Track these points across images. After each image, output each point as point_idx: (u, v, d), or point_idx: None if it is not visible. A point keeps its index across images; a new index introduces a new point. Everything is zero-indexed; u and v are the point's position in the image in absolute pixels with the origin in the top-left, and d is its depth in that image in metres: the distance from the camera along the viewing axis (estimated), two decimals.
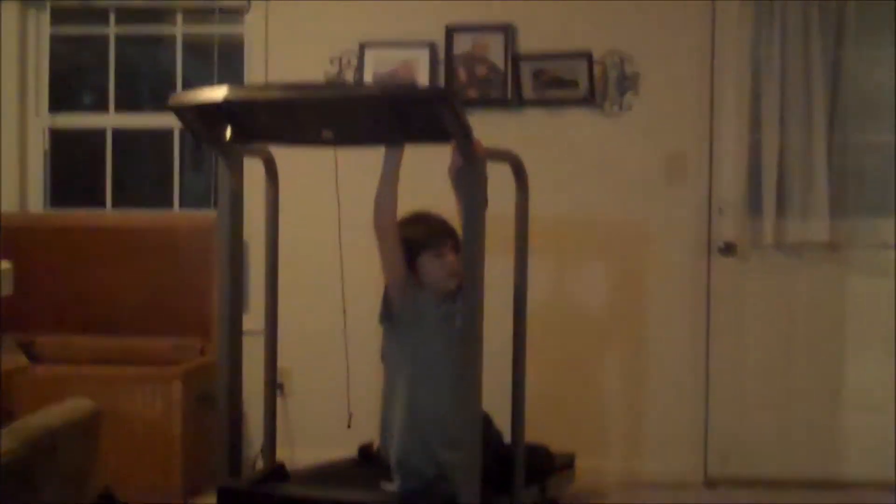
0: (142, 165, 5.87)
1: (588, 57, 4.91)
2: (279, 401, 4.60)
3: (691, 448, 5.06)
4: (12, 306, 3.55)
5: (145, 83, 5.83)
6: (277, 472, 4.01)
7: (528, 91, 5.00)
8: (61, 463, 2.71)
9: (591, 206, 5.06)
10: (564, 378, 5.06)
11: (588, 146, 5.05)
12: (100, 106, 5.56)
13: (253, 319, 4.51)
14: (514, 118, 5.01)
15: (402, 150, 3.68)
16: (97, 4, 5.44)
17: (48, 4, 5.43)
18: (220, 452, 3.90)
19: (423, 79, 5.02)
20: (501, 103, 5.02)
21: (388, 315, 3.88)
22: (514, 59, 4.99)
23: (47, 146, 5.45)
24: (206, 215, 5.15)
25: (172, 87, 5.36)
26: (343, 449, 4.59)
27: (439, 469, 3.77)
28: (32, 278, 4.54)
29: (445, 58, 5.05)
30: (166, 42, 5.56)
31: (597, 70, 4.95)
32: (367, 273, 4.67)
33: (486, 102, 5.01)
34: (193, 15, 5.47)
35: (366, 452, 4.39)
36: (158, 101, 5.48)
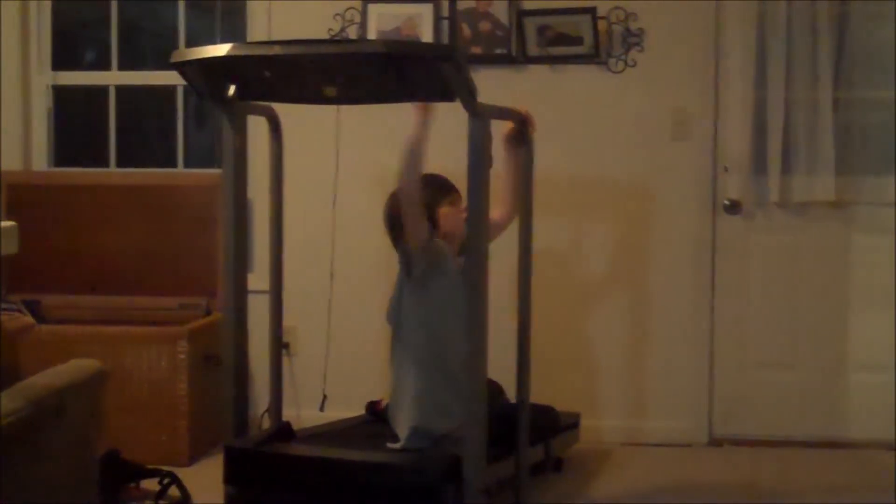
0: (145, 123, 5.85)
1: (593, 13, 4.87)
2: (285, 360, 4.61)
3: (695, 408, 5.06)
4: (17, 266, 3.54)
5: (148, 40, 5.80)
6: (284, 432, 4.03)
7: (532, 47, 4.97)
8: (67, 423, 2.71)
9: (595, 163, 5.04)
10: (569, 338, 5.06)
11: (593, 103, 5.03)
12: (103, 63, 5.53)
13: (258, 278, 4.51)
14: (518, 75, 4.99)
15: (432, 116, 3.68)
16: None
17: None
18: (227, 412, 3.92)
19: (426, 35, 4.98)
20: (506, 60, 4.99)
21: (410, 273, 3.88)
22: (519, 15, 4.95)
23: (50, 104, 5.43)
24: (211, 174, 5.15)
25: (175, 44, 5.33)
26: (348, 408, 4.62)
27: (451, 423, 3.78)
28: (37, 238, 4.53)
29: (449, 14, 5.02)
30: None
31: (601, 26, 4.92)
32: (367, 231, 4.68)
33: (491, 59, 4.98)
34: None
35: (374, 409, 4.41)
36: (161, 59, 5.44)
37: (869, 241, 4.97)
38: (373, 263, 4.90)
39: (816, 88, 4.88)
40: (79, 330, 4.74)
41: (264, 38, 4.97)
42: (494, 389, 4.09)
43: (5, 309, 4.83)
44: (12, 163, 5.30)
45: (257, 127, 4.30)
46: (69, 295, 5.12)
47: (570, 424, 4.65)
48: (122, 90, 5.47)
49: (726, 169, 4.98)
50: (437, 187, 3.97)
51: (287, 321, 4.32)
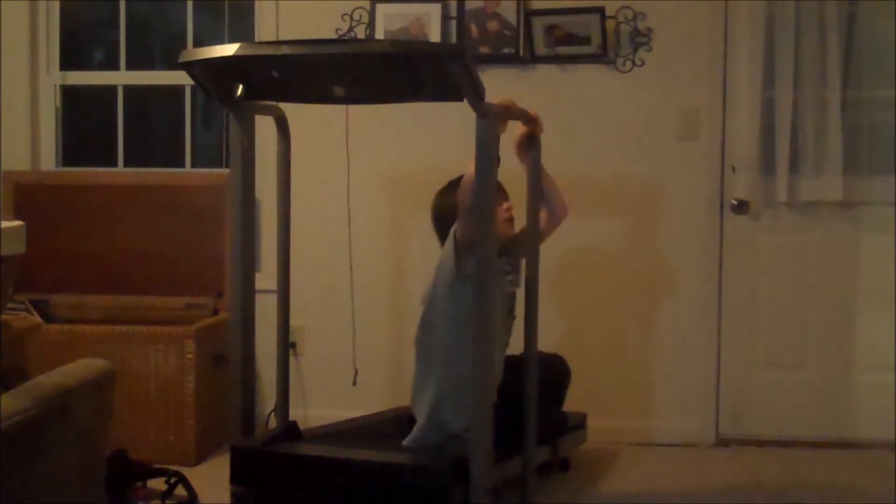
0: (153, 123, 5.86)
1: (601, 12, 4.87)
2: (292, 359, 4.62)
3: (703, 408, 5.06)
4: (25, 265, 3.55)
5: (156, 40, 5.81)
6: (290, 431, 4.03)
7: (540, 47, 4.97)
8: (74, 422, 2.71)
9: (603, 163, 5.04)
10: (576, 337, 5.06)
11: (601, 103, 5.02)
12: (111, 63, 5.54)
13: (266, 278, 4.52)
14: (526, 75, 4.98)
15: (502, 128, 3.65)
16: None
17: None
18: (234, 411, 3.92)
19: (434, 35, 4.99)
20: (513, 60, 4.99)
21: (461, 269, 3.84)
22: (527, 14, 4.95)
23: (59, 104, 5.44)
24: (219, 173, 5.16)
25: (183, 44, 5.34)
26: (355, 408, 4.62)
27: (467, 423, 3.76)
28: (44, 237, 4.54)
29: (457, 13, 5.02)
30: None
31: (609, 26, 4.91)
32: (376, 231, 4.69)
33: (498, 59, 4.98)
34: None
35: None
36: (169, 59, 5.46)
37: (877, 241, 4.96)
38: (382, 263, 4.90)
39: (824, 88, 4.87)
40: (86, 329, 4.74)
41: (272, 38, 4.98)
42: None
43: (13, 308, 4.83)
44: (20, 163, 5.31)
45: (265, 127, 4.29)
46: (77, 294, 5.12)
47: (577, 424, 4.65)
48: (130, 90, 5.47)
49: (734, 168, 4.98)
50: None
51: (294, 321, 4.32)
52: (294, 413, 4.33)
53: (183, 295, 5.09)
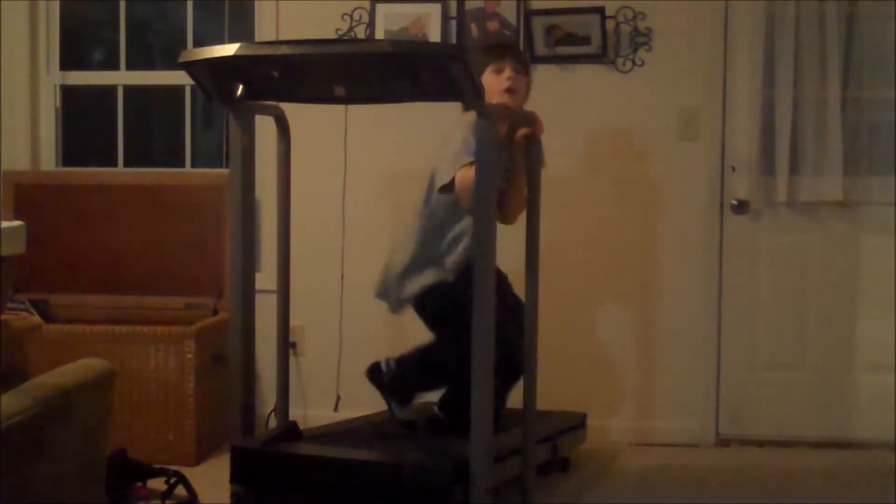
0: (153, 123, 5.86)
1: (601, 12, 4.87)
2: (292, 360, 4.62)
3: (702, 408, 5.06)
4: (25, 265, 3.55)
5: (156, 40, 5.82)
6: (290, 431, 4.03)
7: (540, 47, 4.97)
8: (74, 423, 2.71)
9: (602, 163, 5.04)
10: (576, 337, 5.06)
11: (600, 103, 5.02)
12: (111, 63, 5.54)
13: (266, 278, 4.52)
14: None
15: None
16: None
17: None
18: (234, 411, 3.92)
19: (434, 35, 4.99)
20: None
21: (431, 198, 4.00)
22: (527, 14, 4.95)
23: (59, 104, 5.44)
24: (218, 173, 5.16)
25: (183, 44, 5.34)
26: (357, 408, 4.62)
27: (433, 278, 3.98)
28: (45, 237, 4.54)
29: (457, 13, 5.02)
30: None
31: (609, 26, 4.92)
32: (375, 231, 4.69)
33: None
34: None
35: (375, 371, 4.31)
36: (170, 59, 5.46)
37: (877, 241, 4.96)
38: (382, 263, 4.90)
39: (825, 88, 4.87)
40: (86, 329, 4.74)
41: (272, 38, 4.98)
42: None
43: (13, 308, 4.83)
44: (20, 162, 5.31)
45: (265, 127, 4.30)
46: (77, 294, 5.13)
47: (576, 424, 4.65)
48: (130, 90, 5.48)
49: (734, 168, 4.97)
50: (484, 50, 3.99)
51: (294, 321, 4.32)
52: (294, 413, 4.33)
53: (183, 295, 5.09)
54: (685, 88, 4.98)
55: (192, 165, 5.43)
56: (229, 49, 3.54)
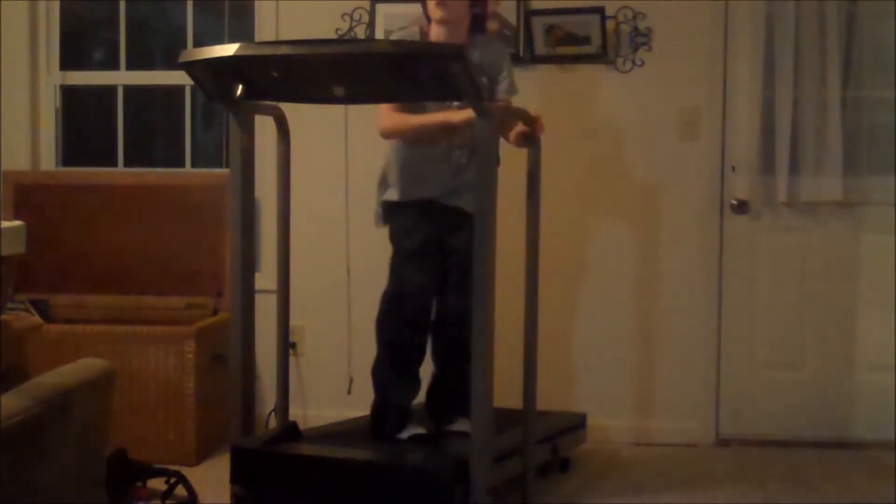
0: (153, 123, 5.86)
1: (601, 12, 4.87)
2: (292, 359, 4.61)
3: (702, 407, 5.06)
4: (25, 265, 3.55)
5: (156, 40, 5.81)
6: (290, 431, 4.03)
7: (540, 47, 4.97)
8: (74, 422, 2.71)
9: (603, 163, 5.04)
10: (576, 337, 5.06)
11: (600, 103, 5.03)
12: (111, 63, 5.54)
13: (265, 278, 4.53)
14: (526, 75, 4.97)
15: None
16: None
17: None
18: (234, 411, 3.92)
19: None
20: (514, 60, 4.96)
21: None
22: (527, 14, 4.96)
23: (59, 104, 5.44)
24: (218, 173, 5.16)
25: (183, 44, 5.33)
26: (355, 408, 4.62)
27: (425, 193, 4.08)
28: (44, 237, 4.55)
29: None
30: None
31: (609, 26, 4.92)
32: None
33: None
34: None
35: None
36: (169, 59, 5.46)
37: (876, 241, 4.96)
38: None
39: (824, 88, 4.87)
40: (86, 329, 4.74)
41: (272, 38, 4.98)
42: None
43: (13, 308, 4.83)
44: (20, 162, 5.31)
45: (265, 127, 4.30)
46: (77, 294, 5.13)
47: (576, 424, 4.65)
48: (130, 90, 5.47)
49: (734, 168, 4.98)
50: None
51: (294, 321, 4.32)
52: (294, 413, 4.33)
53: (183, 295, 5.09)
54: (685, 88, 4.98)
55: (192, 165, 5.43)
56: (229, 49, 3.54)
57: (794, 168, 4.92)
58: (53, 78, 5.42)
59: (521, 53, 4.99)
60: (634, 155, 5.03)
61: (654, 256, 5.05)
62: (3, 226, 3.24)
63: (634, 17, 4.95)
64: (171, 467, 4.22)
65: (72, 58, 5.50)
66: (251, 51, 3.62)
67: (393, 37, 4.25)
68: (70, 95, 5.47)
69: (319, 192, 5.04)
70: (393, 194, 4.13)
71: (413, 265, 4.08)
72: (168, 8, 5.63)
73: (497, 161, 3.71)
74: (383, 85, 3.64)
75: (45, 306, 5.07)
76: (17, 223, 3.35)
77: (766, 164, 4.96)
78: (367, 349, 4.92)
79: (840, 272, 5.01)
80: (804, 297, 5.03)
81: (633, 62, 4.98)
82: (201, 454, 4.70)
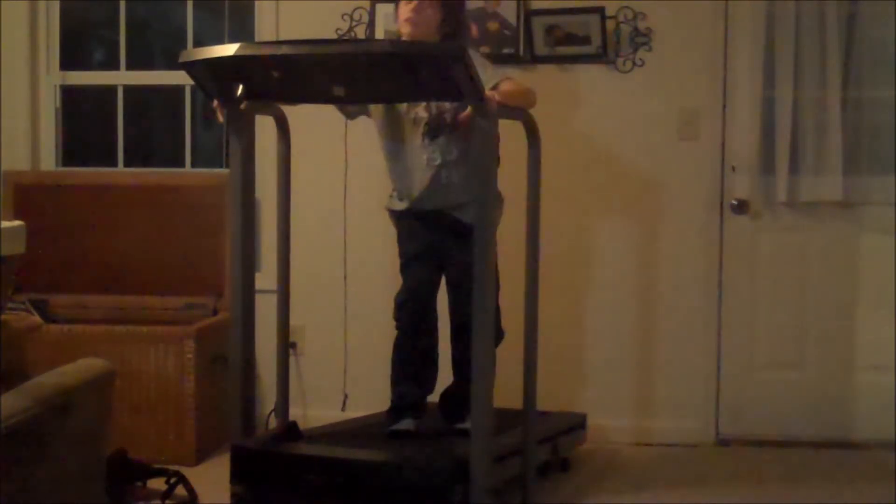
0: (153, 123, 5.86)
1: (601, 12, 4.87)
2: (292, 359, 4.62)
3: (702, 407, 5.06)
4: (25, 265, 3.55)
5: (156, 40, 5.81)
6: (290, 431, 4.03)
7: (540, 47, 4.97)
8: (74, 423, 2.71)
9: (602, 163, 5.04)
10: (576, 337, 5.06)
11: (600, 103, 5.02)
12: (111, 63, 5.54)
13: (265, 278, 4.52)
14: (526, 75, 4.97)
15: None
16: None
17: None
18: (234, 411, 3.92)
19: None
20: (513, 60, 4.98)
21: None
22: (527, 14, 4.95)
23: (58, 104, 5.44)
24: (218, 173, 5.15)
25: (183, 44, 5.33)
26: (355, 408, 4.62)
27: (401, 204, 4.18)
28: (44, 237, 4.53)
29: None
30: None
31: (609, 26, 4.91)
32: (375, 231, 4.69)
33: (498, 59, 4.96)
34: None
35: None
36: (169, 59, 5.46)
37: (876, 241, 4.96)
38: (381, 262, 4.90)
39: (825, 88, 4.87)
40: (86, 329, 4.75)
41: (272, 38, 4.98)
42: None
43: (13, 308, 4.83)
44: (20, 163, 5.31)
45: (265, 127, 4.30)
46: (76, 294, 5.13)
47: (576, 424, 4.65)
48: (130, 90, 5.47)
49: (734, 168, 4.98)
50: None
51: (294, 321, 4.32)
52: (294, 413, 4.33)
53: (183, 295, 5.09)
54: (685, 88, 4.98)
55: (192, 165, 5.43)
56: (229, 49, 3.54)
57: (794, 168, 4.92)
58: (53, 78, 5.42)
59: (522, 53, 4.99)
60: (634, 155, 5.03)
61: (653, 256, 5.05)
62: (3, 226, 3.24)
63: (634, 17, 4.95)
64: (171, 467, 4.22)
65: (72, 58, 5.50)
66: (251, 51, 3.62)
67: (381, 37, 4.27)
68: (70, 95, 5.47)
69: (319, 192, 5.03)
70: (389, 203, 4.26)
71: (409, 271, 4.21)
72: (168, 8, 5.63)
73: (497, 161, 3.71)
74: (383, 85, 3.63)
75: (45, 306, 5.07)
76: (17, 223, 3.35)
77: (766, 164, 4.96)
78: (365, 350, 4.94)
79: (840, 272, 5.01)
80: (804, 298, 5.03)
81: (633, 62, 4.98)
82: (201, 454, 4.70)
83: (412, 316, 4.19)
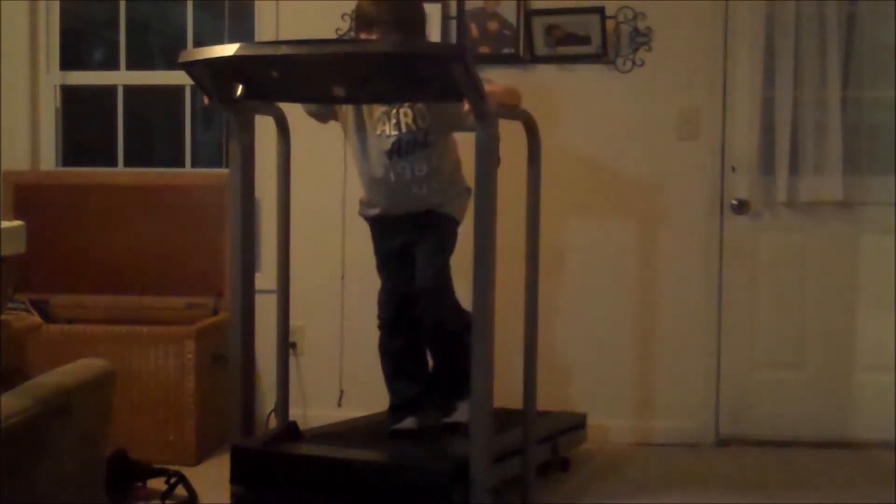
0: (153, 123, 5.86)
1: (601, 12, 4.87)
2: (291, 359, 4.61)
3: (702, 407, 5.06)
4: (25, 265, 3.55)
5: (156, 40, 5.81)
6: (290, 431, 4.03)
7: (540, 47, 4.97)
8: (75, 423, 2.71)
9: (602, 163, 5.04)
10: (576, 337, 5.06)
11: (600, 103, 5.02)
12: (111, 63, 5.54)
13: (265, 278, 4.52)
14: (526, 75, 4.98)
15: None
16: None
17: None
18: (234, 411, 3.92)
19: (434, 35, 4.98)
20: (513, 60, 4.99)
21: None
22: (527, 14, 4.95)
23: (59, 104, 5.43)
24: (218, 173, 5.16)
25: (183, 44, 5.33)
26: (358, 408, 4.62)
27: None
28: (44, 237, 4.54)
29: (457, 13, 5.01)
30: None
31: (609, 26, 4.91)
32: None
33: (498, 59, 4.98)
34: None
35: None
36: (169, 59, 5.46)
37: (877, 241, 4.96)
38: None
39: (825, 88, 4.87)
40: (86, 329, 4.75)
41: (272, 38, 4.98)
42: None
43: (13, 308, 4.83)
44: (20, 162, 5.31)
45: (265, 127, 4.30)
46: (77, 294, 5.12)
47: (576, 424, 4.65)
48: (130, 90, 5.47)
49: (734, 169, 4.98)
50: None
51: (294, 321, 4.32)
52: (294, 413, 4.33)
53: (183, 295, 5.09)
54: (685, 88, 4.98)
55: (192, 165, 5.43)
56: (229, 49, 3.54)
57: (794, 168, 4.92)
58: (53, 78, 5.42)
59: (522, 53, 4.99)
60: (634, 155, 5.03)
61: (653, 256, 5.05)
62: (3, 226, 3.24)
63: (634, 17, 4.95)
64: (171, 467, 4.22)
65: (72, 58, 5.50)
66: (251, 51, 3.62)
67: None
68: (70, 95, 5.47)
69: (319, 192, 5.03)
70: (362, 210, 4.33)
71: (387, 271, 4.28)
72: (168, 8, 5.63)
73: (497, 161, 3.71)
74: (383, 85, 3.63)
75: (45, 306, 5.07)
76: (17, 223, 3.35)
77: (766, 164, 4.96)
78: (363, 350, 4.93)
79: (840, 272, 5.01)
80: (804, 297, 5.03)
81: (633, 62, 4.98)
82: (201, 454, 4.70)
83: (393, 313, 4.24)
